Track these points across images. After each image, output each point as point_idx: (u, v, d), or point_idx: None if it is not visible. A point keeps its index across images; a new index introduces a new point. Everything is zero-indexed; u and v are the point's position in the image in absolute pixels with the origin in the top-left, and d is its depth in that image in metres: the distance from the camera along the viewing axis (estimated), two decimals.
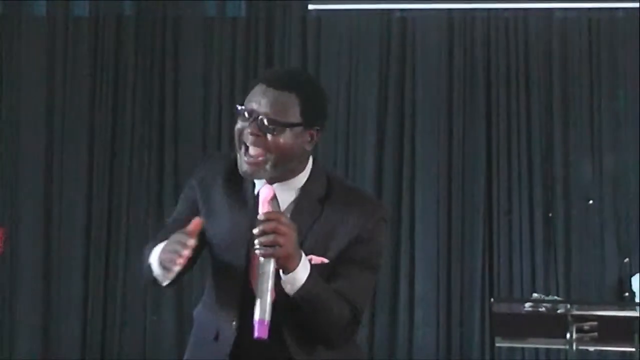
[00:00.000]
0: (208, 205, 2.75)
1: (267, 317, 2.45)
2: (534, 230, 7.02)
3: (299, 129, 2.62)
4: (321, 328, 2.67)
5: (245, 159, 2.61)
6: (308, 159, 2.73)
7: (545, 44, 7.20)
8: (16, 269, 7.21)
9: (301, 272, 2.57)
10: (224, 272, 2.73)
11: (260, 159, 2.60)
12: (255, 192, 2.69)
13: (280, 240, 2.49)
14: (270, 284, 2.49)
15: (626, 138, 7.08)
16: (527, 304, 5.59)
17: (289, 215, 2.63)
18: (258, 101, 2.61)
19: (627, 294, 6.39)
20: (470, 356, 6.95)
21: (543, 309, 5.52)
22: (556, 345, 5.79)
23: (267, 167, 2.61)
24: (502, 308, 5.79)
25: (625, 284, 6.61)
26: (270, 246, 2.48)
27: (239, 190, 2.73)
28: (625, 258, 6.64)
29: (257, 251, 2.50)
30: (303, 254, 2.57)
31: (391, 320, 7.03)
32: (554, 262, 6.99)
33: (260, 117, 2.59)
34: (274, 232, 2.49)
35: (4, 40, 7.36)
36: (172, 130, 7.31)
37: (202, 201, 2.77)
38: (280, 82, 2.62)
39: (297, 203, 2.70)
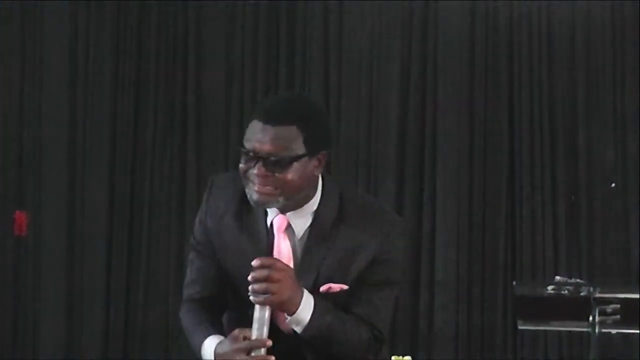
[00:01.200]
0: (221, 239, 2.71)
1: None
2: (557, 213, 6.99)
3: (305, 159, 2.55)
4: (340, 354, 2.67)
5: (256, 188, 2.55)
6: (318, 182, 2.66)
7: (569, 24, 7.16)
8: (39, 252, 7.24)
9: (304, 312, 2.56)
10: (240, 305, 2.69)
11: (270, 189, 2.55)
12: (268, 222, 2.65)
13: (273, 288, 2.48)
14: (265, 330, 2.51)
15: None
16: (550, 287, 5.59)
17: (303, 244, 2.63)
18: (259, 140, 2.51)
19: None
20: (492, 339, 6.94)
21: (565, 291, 5.51)
22: (579, 328, 5.78)
23: (280, 199, 2.56)
24: (524, 291, 5.79)
25: None
26: (263, 294, 2.49)
27: (251, 221, 2.68)
28: None
29: (250, 298, 2.51)
30: (305, 292, 2.57)
31: (412, 304, 7.03)
32: (576, 245, 6.97)
33: (264, 156, 2.51)
34: (266, 280, 2.48)
35: (28, 23, 7.36)
36: (195, 115, 7.32)
37: (215, 235, 2.73)
38: (278, 117, 2.53)
39: (311, 231, 2.65)
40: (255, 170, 2.52)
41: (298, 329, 2.59)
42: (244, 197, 2.64)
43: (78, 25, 7.38)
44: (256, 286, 2.49)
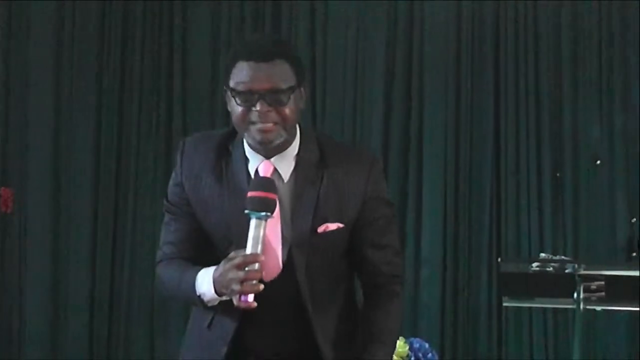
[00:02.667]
0: (200, 198, 2.70)
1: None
2: (542, 190, 7.01)
3: (297, 91, 2.59)
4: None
5: (259, 127, 2.55)
6: (296, 125, 2.69)
7: (555, 23, 7.15)
8: (25, 229, 7.23)
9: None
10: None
11: (274, 126, 2.56)
12: (251, 170, 2.65)
13: None
14: (260, 247, 2.49)
15: (636, 98, 7.04)
16: (535, 264, 5.59)
17: (291, 189, 2.63)
18: (252, 78, 2.53)
19: (634, 253, 6.39)
20: (477, 316, 6.97)
21: (550, 268, 5.51)
22: (563, 305, 5.80)
23: (282, 133, 2.58)
24: (509, 268, 5.80)
25: (633, 244, 6.61)
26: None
27: (230, 175, 2.68)
28: (633, 218, 6.64)
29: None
30: None
31: None
32: (562, 222, 6.99)
33: (263, 93, 2.53)
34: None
35: (14, 20, 7.31)
36: (181, 118, 7.30)
37: (194, 197, 2.71)
38: (264, 53, 2.55)
39: (297, 174, 2.66)
40: (257, 108, 2.52)
41: None
42: (220, 154, 2.68)
43: (65, 19, 7.34)
44: (247, 287, 2.48)
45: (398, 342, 4.77)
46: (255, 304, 2.48)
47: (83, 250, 7.23)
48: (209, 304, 2.61)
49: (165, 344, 7.05)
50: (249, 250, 2.48)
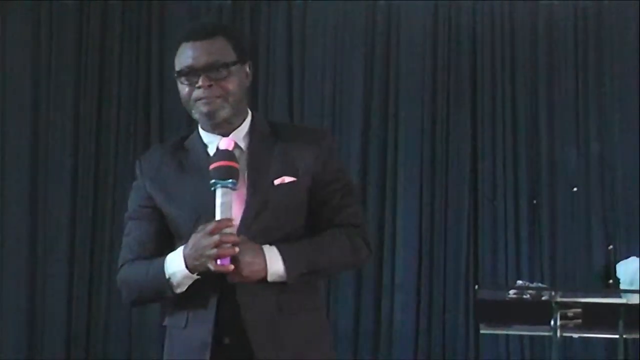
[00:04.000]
0: (164, 190, 2.71)
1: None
2: (519, 217, 7.02)
3: (237, 66, 2.67)
4: (340, 267, 2.79)
5: (204, 100, 2.64)
6: (247, 107, 2.76)
7: (531, 31, 7.20)
8: (1, 244, 7.19)
9: (276, 265, 2.59)
10: None
11: (217, 99, 2.65)
12: (211, 151, 2.68)
13: (242, 264, 2.54)
14: (230, 213, 2.53)
15: (612, 125, 7.08)
16: (512, 291, 5.59)
17: (249, 155, 2.69)
18: (192, 57, 2.66)
19: (611, 280, 6.39)
20: (454, 343, 6.96)
21: (527, 296, 5.51)
22: (540, 332, 5.80)
23: (227, 106, 2.66)
24: (486, 295, 5.79)
25: (610, 271, 6.61)
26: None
27: (190, 160, 2.72)
28: (610, 245, 6.65)
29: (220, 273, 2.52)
30: (265, 248, 2.58)
31: (375, 305, 7.03)
32: (539, 249, 7.00)
33: (202, 68, 2.64)
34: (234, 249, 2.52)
35: None
36: (158, 119, 7.29)
37: (158, 190, 2.72)
38: (203, 33, 2.68)
39: (252, 142, 2.72)
40: (200, 83, 2.63)
41: (286, 280, 2.60)
42: (176, 149, 2.76)
43: (41, 24, 7.34)
44: (222, 250, 2.49)
45: None
46: (232, 267, 2.50)
47: (60, 268, 7.19)
48: (178, 290, 2.60)
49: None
50: (219, 217, 2.52)
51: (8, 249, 7.18)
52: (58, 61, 7.34)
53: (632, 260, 6.35)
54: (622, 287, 6.20)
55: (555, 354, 5.40)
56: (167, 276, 2.59)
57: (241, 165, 2.64)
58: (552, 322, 5.31)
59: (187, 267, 2.56)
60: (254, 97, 7.16)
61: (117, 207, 7.12)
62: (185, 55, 2.68)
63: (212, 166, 2.56)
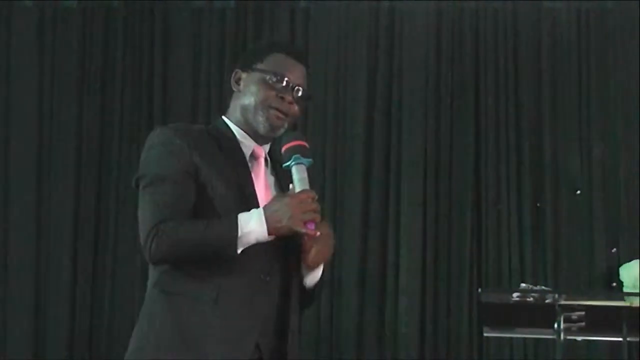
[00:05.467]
0: (213, 167, 2.72)
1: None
2: (522, 221, 7.02)
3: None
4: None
5: (276, 113, 2.79)
6: None
7: (534, 34, 7.21)
8: (6, 252, 7.20)
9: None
10: None
11: (287, 117, 2.82)
12: (248, 153, 2.81)
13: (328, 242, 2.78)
14: (308, 186, 2.69)
15: (615, 128, 7.09)
16: (515, 294, 5.59)
17: (269, 171, 2.87)
18: (292, 72, 2.82)
19: (614, 283, 6.41)
20: (458, 346, 6.96)
21: (531, 299, 5.51)
22: (544, 335, 5.78)
23: (285, 126, 2.84)
24: (490, 298, 5.79)
25: (613, 274, 6.62)
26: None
27: (226, 147, 2.79)
28: (613, 248, 6.66)
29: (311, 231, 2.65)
30: None
31: (378, 310, 7.04)
32: (542, 252, 7.00)
33: (296, 88, 2.81)
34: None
35: None
36: (161, 123, 7.30)
37: (207, 165, 2.71)
38: (303, 58, 2.89)
39: (272, 161, 2.90)
40: (287, 96, 2.79)
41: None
42: (207, 134, 2.82)
43: (45, 29, 7.36)
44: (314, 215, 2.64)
45: None
46: (318, 233, 2.65)
47: (64, 274, 7.19)
48: (242, 247, 2.61)
49: None
50: (300, 189, 2.67)
51: (14, 246, 7.20)
52: (62, 61, 7.36)
53: (635, 263, 6.36)
54: (625, 290, 6.23)
55: (559, 356, 5.40)
56: (239, 234, 2.60)
57: (268, 175, 2.83)
58: (555, 325, 5.32)
59: (267, 227, 2.62)
60: None
61: (121, 207, 7.15)
62: (286, 66, 2.82)
63: (285, 146, 2.72)
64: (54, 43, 7.38)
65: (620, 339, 5.40)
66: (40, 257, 7.21)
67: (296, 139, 2.72)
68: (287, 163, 2.70)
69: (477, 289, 6.50)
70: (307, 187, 2.66)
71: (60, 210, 7.23)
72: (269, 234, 2.61)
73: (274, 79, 2.79)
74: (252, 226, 2.60)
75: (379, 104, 7.25)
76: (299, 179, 2.68)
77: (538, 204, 7.00)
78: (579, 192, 6.84)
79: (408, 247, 7.05)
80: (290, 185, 2.69)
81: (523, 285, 5.99)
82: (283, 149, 2.72)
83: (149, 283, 2.76)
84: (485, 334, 5.94)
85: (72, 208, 7.24)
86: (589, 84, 7.14)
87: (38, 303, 7.19)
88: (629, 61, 7.09)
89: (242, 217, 2.62)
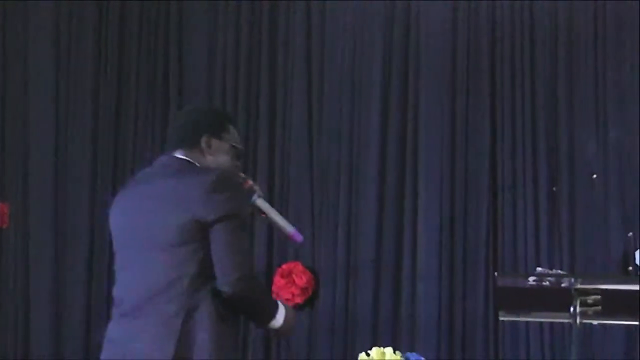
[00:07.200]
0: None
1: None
2: (538, 205, 7.02)
3: None
4: None
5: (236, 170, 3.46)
6: None
7: (550, 29, 7.18)
8: (27, 245, 7.24)
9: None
10: None
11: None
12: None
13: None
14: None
15: (631, 113, 7.07)
16: (531, 278, 5.58)
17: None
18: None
19: (630, 267, 6.39)
20: (473, 330, 6.98)
21: (547, 283, 5.50)
22: (560, 319, 5.78)
23: None
24: (505, 282, 5.79)
25: (629, 258, 6.61)
26: None
27: None
28: (629, 232, 6.64)
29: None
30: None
31: (394, 295, 7.06)
32: (558, 237, 7.00)
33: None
34: None
35: (10, 21, 7.35)
36: (176, 100, 7.34)
37: None
38: None
39: None
40: (238, 162, 3.47)
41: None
42: None
43: (60, 19, 7.39)
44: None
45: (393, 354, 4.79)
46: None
47: (81, 266, 7.24)
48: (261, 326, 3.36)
49: None
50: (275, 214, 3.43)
51: (34, 240, 7.26)
52: (77, 54, 7.42)
53: None
54: None
55: (575, 340, 5.40)
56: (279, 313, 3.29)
57: None
58: (571, 309, 5.31)
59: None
60: (272, 95, 7.22)
61: None
62: (238, 139, 3.47)
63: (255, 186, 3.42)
64: (70, 33, 7.42)
65: (637, 322, 5.40)
66: (58, 250, 7.28)
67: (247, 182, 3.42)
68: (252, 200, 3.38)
69: (493, 273, 6.51)
70: (276, 211, 3.41)
71: (77, 205, 7.33)
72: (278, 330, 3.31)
73: (239, 155, 3.46)
74: (280, 320, 3.28)
75: (395, 101, 7.27)
76: (267, 207, 3.42)
77: (554, 188, 6.99)
78: (595, 176, 6.84)
79: (424, 233, 7.07)
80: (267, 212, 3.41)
81: (539, 269, 5.99)
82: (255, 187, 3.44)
83: (196, 297, 3.16)
84: (501, 318, 5.95)
85: (89, 205, 7.33)
86: (605, 66, 7.11)
87: (56, 297, 7.26)
88: None
89: (282, 308, 3.29)
